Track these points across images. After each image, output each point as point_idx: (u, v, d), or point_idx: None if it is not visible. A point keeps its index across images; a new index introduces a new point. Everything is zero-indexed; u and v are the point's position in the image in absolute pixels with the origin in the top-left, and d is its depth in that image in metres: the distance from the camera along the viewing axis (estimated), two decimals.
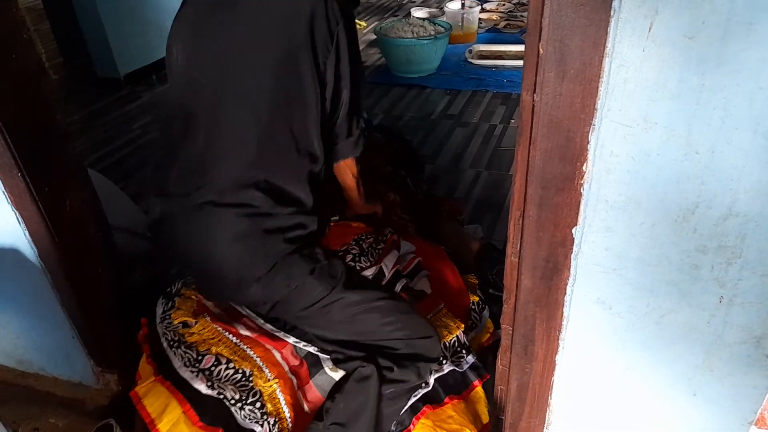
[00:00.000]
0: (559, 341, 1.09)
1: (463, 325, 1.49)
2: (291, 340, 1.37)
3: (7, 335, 1.67)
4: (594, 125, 0.83)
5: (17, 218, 1.34)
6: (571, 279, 1.00)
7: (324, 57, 1.20)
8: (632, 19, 0.73)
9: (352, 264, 1.43)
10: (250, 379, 1.30)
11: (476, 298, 1.63)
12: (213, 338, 1.38)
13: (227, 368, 1.32)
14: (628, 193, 0.87)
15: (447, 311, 1.52)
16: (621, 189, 0.87)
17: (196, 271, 1.34)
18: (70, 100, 3.68)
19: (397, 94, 3.57)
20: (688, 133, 0.78)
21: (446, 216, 2.04)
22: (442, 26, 3.77)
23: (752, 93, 0.72)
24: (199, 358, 1.34)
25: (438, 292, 1.56)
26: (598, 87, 0.80)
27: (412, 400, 1.36)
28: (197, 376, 1.30)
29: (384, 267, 1.48)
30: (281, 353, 1.35)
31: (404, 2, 5.45)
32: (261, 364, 1.32)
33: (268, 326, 1.39)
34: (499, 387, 1.32)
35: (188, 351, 1.35)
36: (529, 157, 0.91)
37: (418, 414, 1.36)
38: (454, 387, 1.41)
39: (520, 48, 3.68)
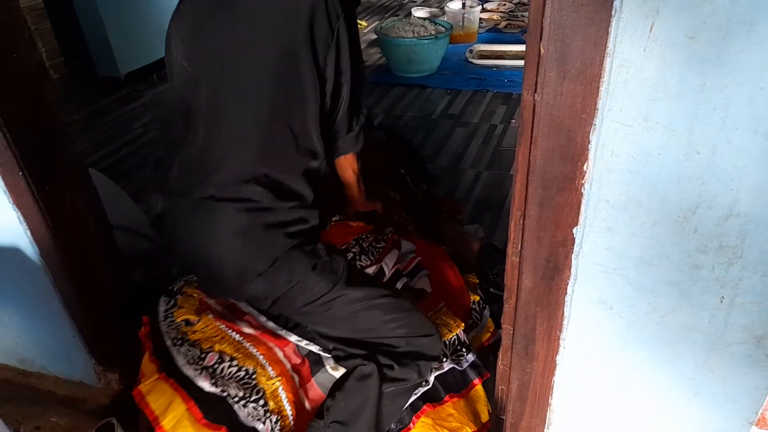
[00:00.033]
0: (560, 341, 1.09)
1: (462, 324, 1.49)
2: (293, 338, 1.37)
3: (9, 334, 1.68)
4: (595, 125, 0.83)
5: (18, 217, 1.35)
6: (571, 279, 1.00)
7: (324, 52, 1.20)
8: (633, 18, 0.73)
9: (353, 262, 1.43)
10: (253, 376, 1.31)
11: (477, 298, 1.63)
12: (216, 336, 1.38)
13: (230, 366, 1.32)
14: (629, 192, 0.87)
15: (447, 310, 1.52)
16: (622, 189, 0.87)
17: (197, 267, 1.34)
18: (70, 99, 3.69)
19: (398, 93, 3.57)
20: (689, 133, 0.78)
21: (446, 216, 2.04)
22: (443, 26, 3.77)
23: (753, 93, 0.72)
24: (203, 355, 1.34)
25: (438, 292, 1.56)
26: (599, 87, 0.80)
27: (412, 398, 1.36)
28: (201, 373, 1.31)
29: (384, 266, 1.48)
30: (283, 351, 1.35)
31: (405, 2, 5.45)
32: (264, 362, 1.32)
33: (270, 324, 1.39)
34: (500, 387, 1.32)
35: (191, 348, 1.35)
36: (530, 157, 0.91)
37: (418, 413, 1.36)
38: (453, 385, 1.42)
39: (521, 48, 3.68)
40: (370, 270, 1.45)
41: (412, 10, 4.40)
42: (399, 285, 1.48)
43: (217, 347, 1.35)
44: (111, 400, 1.62)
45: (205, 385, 1.28)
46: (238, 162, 1.20)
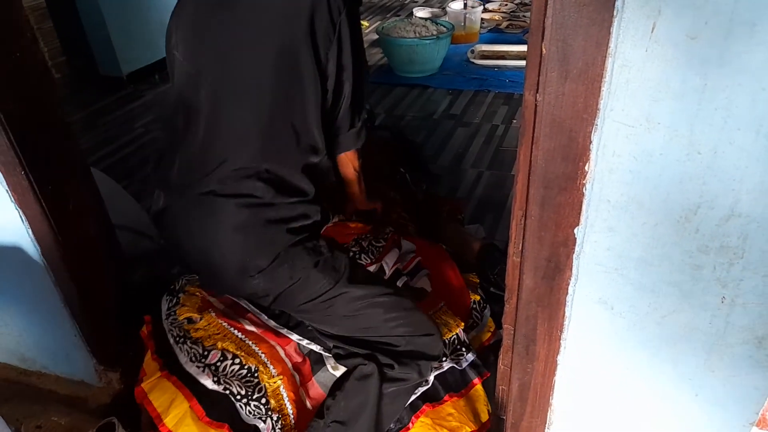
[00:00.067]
0: (561, 341, 1.09)
1: (462, 323, 1.49)
2: (294, 337, 1.37)
3: (10, 333, 1.68)
4: (596, 125, 0.83)
5: (20, 216, 1.35)
6: (572, 279, 1.00)
7: (326, 48, 1.20)
8: (635, 19, 0.73)
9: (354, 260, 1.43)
10: (256, 375, 1.31)
11: (477, 297, 1.63)
12: (218, 334, 1.38)
13: (233, 364, 1.32)
14: (631, 193, 0.87)
15: (447, 309, 1.52)
16: (623, 189, 0.87)
17: (198, 263, 1.33)
18: (72, 99, 3.69)
19: (399, 93, 3.58)
20: (691, 133, 0.78)
21: (447, 216, 2.04)
22: (445, 26, 3.77)
23: (755, 93, 0.72)
24: (205, 353, 1.34)
25: (438, 291, 1.56)
26: (600, 87, 0.80)
27: (412, 397, 1.36)
28: (203, 371, 1.31)
29: (384, 265, 1.49)
30: (285, 350, 1.36)
31: (406, 2, 5.45)
32: (265, 360, 1.33)
33: (272, 323, 1.39)
34: (500, 387, 1.32)
35: (194, 346, 1.36)
36: (531, 157, 0.91)
37: (418, 412, 1.36)
38: (453, 385, 1.42)
39: (523, 48, 3.68)
40: (371, 269, 1.45)
41: (414, 10, 4.40)
42: (399, 284, 1.48)
43: (219, 345, 1.35)
44: (112, 399, 1.62)
45: (208, 382, 1.29)
46: (239, 159, 1.20)
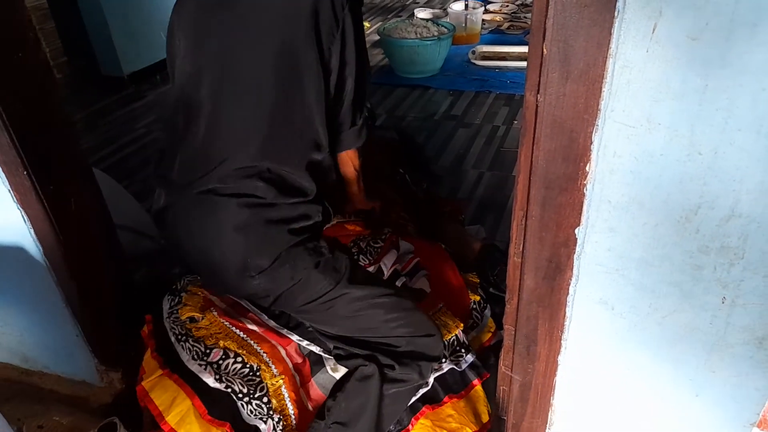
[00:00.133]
0: (562, 341, 1.09)
1: (462, 324, 1.49)
2: (294, 338, 1.37)
3: (12, 333, 1.68)
4: (597, 126, 0.83)
5: (23, 216, 1.35)
6: (573, 279, 1.00)
7: (329, 43, 1.20)
8: (636, 20, 0.74)
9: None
10: (258, 373, 1.31)
11: (477, 298, 1.63)
12: (220, 332, 1.38)
13: (235, 362, 1.32)
14: (631, 193, 0.87)
15: (446, 310, 1.52)
16: (624, 189, 0.87)
17: (198, 262, 1.33)
18: (74, 99, 3.69)
19: (401, 94, 3.58)
20: (692, 133, 0.78)
21: (448, 216, 2.04)
22: (446, 27, 3.78)
23: (756, 94, 0.72)
24: (207, 351, 1.34)
25: (437, 292, 1.56)
26: (601, 87, 0.80)
27: (412, 399, 1.36)
28: (205, 369, 1.31)
29: (383, 266, 1.49)
30: (286, 350, 1.36)
31: (408, 3, 5.46)
32: (267, 359, 1.33)
33: (272, 323, 1.39)
34: (501, 387, 1.32)
35: (196, 345, 1.36)
36: (532, 158, 0.92)
37: (417, 414, 1.36)
38: (453, 386, 1.42)
39: (524, 49, 3.68)
40: (369, 270, 1.45)
41: (415, 11, 4.40)
42: (398, 284, 1.48)
43: (221, 343, 1.35)
44: (113, 399, 1.62)
45: (210, 380, 1.29)
46: (240, 158, 1.20)
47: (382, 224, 1.64)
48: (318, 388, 1.38)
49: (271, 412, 1.28)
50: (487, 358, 1.55)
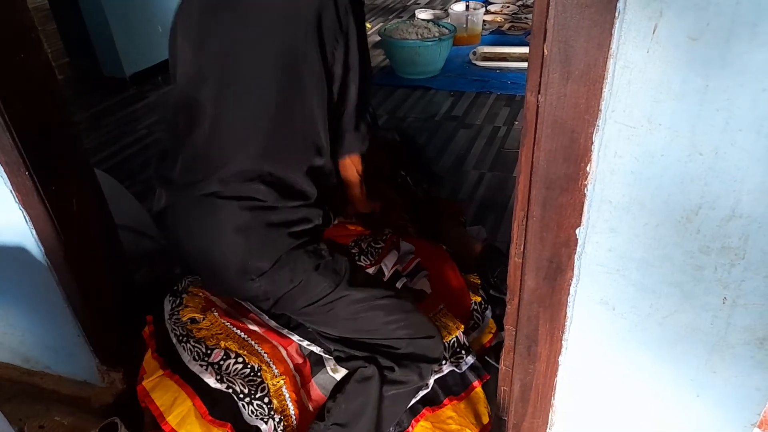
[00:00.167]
0: (563, 342, 1.09)
1: (462, 326, 1.49)
2: (295, 338, 1.37)
3: (13, 333, 1.68)
4: (598, 126, 0.83)
5: (24, 217, 1.35)
6: (574, 279, 1.00)
7: (332, 46, 1.20)
8: (637, 20, 0.74)
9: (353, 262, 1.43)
10: (259, 374, 1.31)
11: (478, 298, 1.63)
12: (221, 333, 1.38)
13: (236, 362, 1.32)
14: (632, 194, 0.87)
15: (447, 312, 1.52)
16: (625, 190, 0.87)
17: (198, 263, 1.34)
18: (75, 100, 3.70)
19: (401, 95, 3.58)
20: (692, 134, 0.78)
21: (448, 217, 2.04)
22: (447, 28, 3.78)
23: (756, 94, 0.73)
24: (208, 352, 1.34)
25: (438, 293, 1.56)
26: (602, 88, 0.80)
27: (412, 401, 1.36)
28: (206, 369, 1.31)
29: (383, 267, 1.49)
30: (287, 350, 1.36)
31: (408, 4, 5.46)
32: (268, 360, 1.33)
33: (273, 323, 1.39)
34: (502, 387, 1.32)
35: (197, 345, 1.36)
36: (533, 158, 0.92)
37: (417, 416, 1.36)
38: (453, 388, 1.42)
39: (524, 50, 3.68)
40: (370, 271, 1.45)
41: (416, 12, 4.41)
42: (398, 285, 1.48)
43: (222, 344, 1.35)
44: (114, 399, 1.62)
45: (211, 381, 1.29)
46: (241, 160, 1.20)
47: (382, 225, 1.64)
48: (318, 389, 1.38)
49: (272, 413, 1.28)
50: (488, 360, 1.55)
